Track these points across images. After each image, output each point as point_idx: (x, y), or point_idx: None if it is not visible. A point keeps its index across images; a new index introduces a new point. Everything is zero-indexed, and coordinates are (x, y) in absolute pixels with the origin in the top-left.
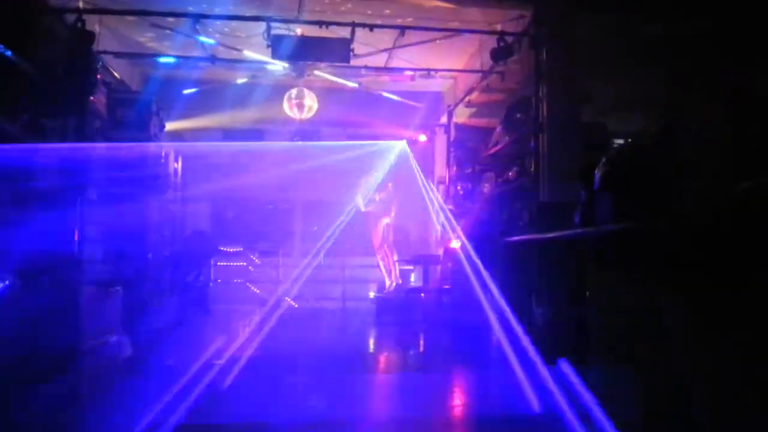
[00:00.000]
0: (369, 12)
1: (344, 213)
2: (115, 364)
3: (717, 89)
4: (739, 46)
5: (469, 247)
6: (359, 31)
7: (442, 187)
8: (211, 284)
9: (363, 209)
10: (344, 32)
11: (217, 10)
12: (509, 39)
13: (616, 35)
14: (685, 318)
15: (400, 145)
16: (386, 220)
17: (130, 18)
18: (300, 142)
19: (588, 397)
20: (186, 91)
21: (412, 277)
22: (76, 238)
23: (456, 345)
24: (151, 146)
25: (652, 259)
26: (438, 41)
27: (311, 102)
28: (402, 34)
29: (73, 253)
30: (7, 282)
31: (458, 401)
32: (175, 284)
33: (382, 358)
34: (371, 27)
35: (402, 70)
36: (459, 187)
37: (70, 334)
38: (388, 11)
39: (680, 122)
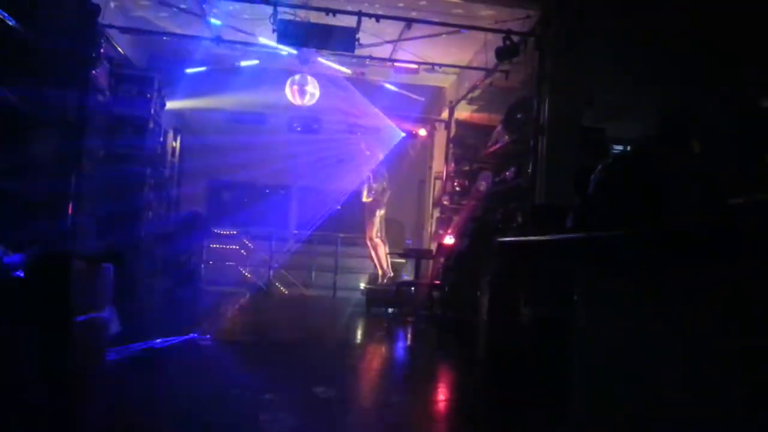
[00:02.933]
0: (377, 3)
1: (340, 201)
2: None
3: (725, 100)
4: (750, 56)
5: (462, 243)
6: (365, 21)
7: (438, 182)
8: (202, 266)
9: (364, 199)
10: (351, 21)
11: None
12: (515, 38)
13: (622, 41)
14: (672, 327)
15: (400, 138)
16: (381, 212)
17: None
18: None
19: None
20: (189, 71)
21: (404, 271)
22: (70, 211)
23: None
24: (151, 123)
25: (642, 267)
26: (444, 35)
27: (313, 89)
28: (408, 26)
29: (67, 226)
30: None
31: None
32: (167, 263)
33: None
34: (378, 17)
35: (406, 62)
36: (455, 184)
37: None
38: (395, 3)
39: (684, 131)
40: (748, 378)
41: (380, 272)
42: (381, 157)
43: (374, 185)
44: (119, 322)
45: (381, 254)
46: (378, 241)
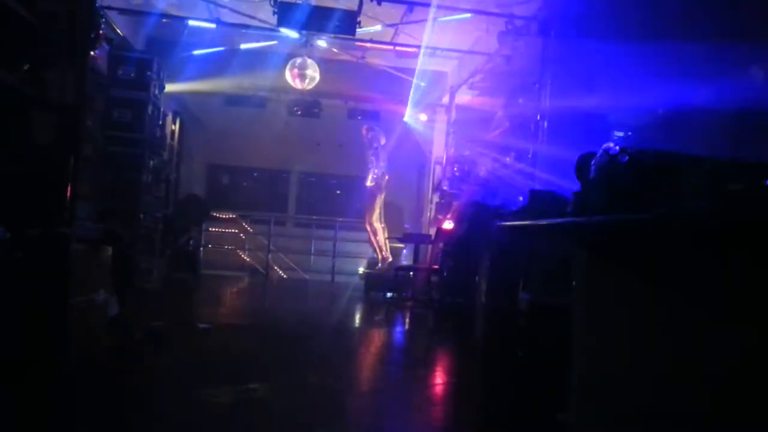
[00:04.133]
0: None
1: (339, 185)
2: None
3: (726, 86)
4: (753, 43)
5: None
6: (367, 5)
7: (439, 167)
8: (201, 249)
9: (368, 184)
10: (352, 4)
11: None
12: (518, 22)
13: (626, 27)
14: (667, 311)
15: (400, 122)
16: (381, 197)
17: None
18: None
19: None
20: (188, 53)
21: (403, 255)
22: (68, 193)
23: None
24: (150, 106)
25: (641, 252)
26: (446, 19)
27: (313, 73)
28: (410, 9)
29: (65, 207)
30: None
31: None
32: (165, 246)
33: None
34: (379, 0)
35: (407, 46)
36: (456, 168)
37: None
38: None
39: (682, 117)
40: (746, 371)
41: (379, 257)
42: (382, 141)
43: (376, 170)
44: (117, 305)
45: (380, 239)
46: (378, 225)
